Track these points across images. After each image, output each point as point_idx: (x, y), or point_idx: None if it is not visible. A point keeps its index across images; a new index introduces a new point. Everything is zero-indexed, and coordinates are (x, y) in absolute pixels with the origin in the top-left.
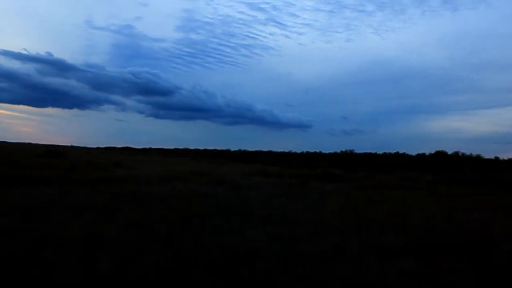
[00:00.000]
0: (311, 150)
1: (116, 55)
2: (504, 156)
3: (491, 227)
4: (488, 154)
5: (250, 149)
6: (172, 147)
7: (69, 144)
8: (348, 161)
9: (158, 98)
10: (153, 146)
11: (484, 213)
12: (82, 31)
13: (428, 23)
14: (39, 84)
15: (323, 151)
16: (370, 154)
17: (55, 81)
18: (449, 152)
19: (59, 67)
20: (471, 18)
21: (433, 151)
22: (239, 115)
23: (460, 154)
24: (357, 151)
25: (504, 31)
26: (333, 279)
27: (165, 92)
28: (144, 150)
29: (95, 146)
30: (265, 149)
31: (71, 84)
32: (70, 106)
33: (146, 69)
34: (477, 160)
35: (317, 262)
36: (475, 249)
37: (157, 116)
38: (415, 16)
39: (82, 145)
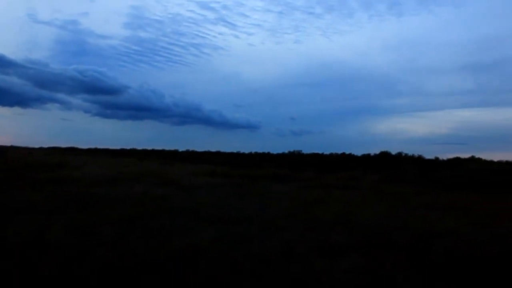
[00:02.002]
0: (260, 151)
1: (61, 52)
2: (443, 156)
3: (431, 225)
4: (429, 155)
5: (198, 150)
6: (119, 148)
7: (9, 144)
8: (296, 161)
9: (105, 97)
10: (99, 146)
11: (424, 211)
12: (23, 25)
13: (374, 27)
14: None
15: (271, 152)
16: (318, 154)
17: None
18: (393, 153)
19: None
20: (414, 24)
21: (377, 152)
22: (188, 115)
23: (403, 154)
24: (305, 151)
25: (444, 37)
26: (281, 277)
27: (112, 90)
28: (90, 151)
29: (38, 146)
30: (213, 149)
31: (12, 80)
32: (10, 104)
33: (92, 67)
34: (418, 160)
35: (265, 261)
36: (417, 246)
37: (103, 115)
38: (362, 20)
39: (23, 145)
